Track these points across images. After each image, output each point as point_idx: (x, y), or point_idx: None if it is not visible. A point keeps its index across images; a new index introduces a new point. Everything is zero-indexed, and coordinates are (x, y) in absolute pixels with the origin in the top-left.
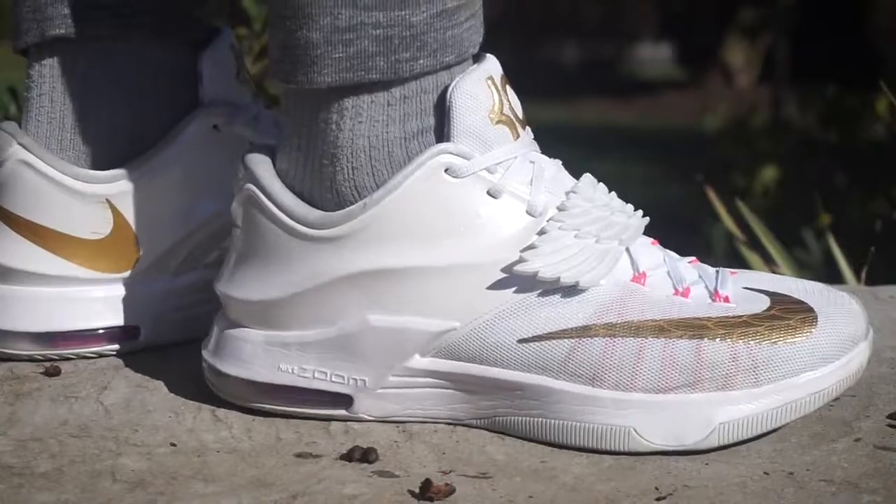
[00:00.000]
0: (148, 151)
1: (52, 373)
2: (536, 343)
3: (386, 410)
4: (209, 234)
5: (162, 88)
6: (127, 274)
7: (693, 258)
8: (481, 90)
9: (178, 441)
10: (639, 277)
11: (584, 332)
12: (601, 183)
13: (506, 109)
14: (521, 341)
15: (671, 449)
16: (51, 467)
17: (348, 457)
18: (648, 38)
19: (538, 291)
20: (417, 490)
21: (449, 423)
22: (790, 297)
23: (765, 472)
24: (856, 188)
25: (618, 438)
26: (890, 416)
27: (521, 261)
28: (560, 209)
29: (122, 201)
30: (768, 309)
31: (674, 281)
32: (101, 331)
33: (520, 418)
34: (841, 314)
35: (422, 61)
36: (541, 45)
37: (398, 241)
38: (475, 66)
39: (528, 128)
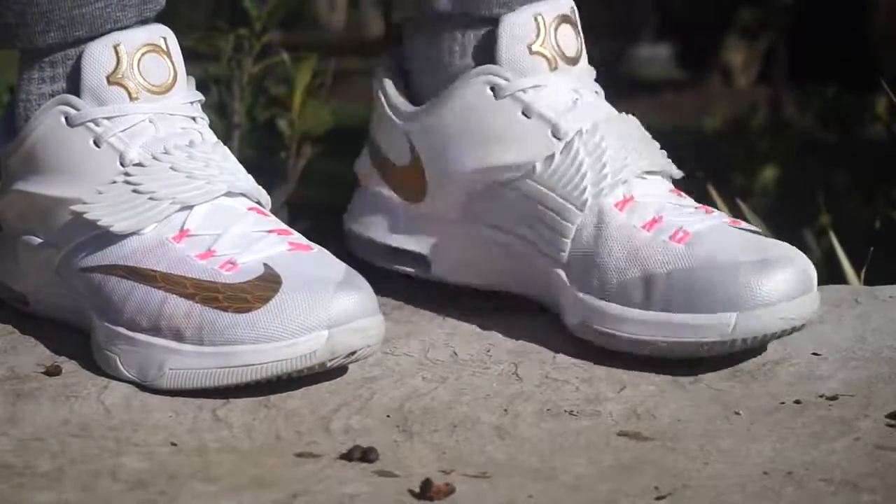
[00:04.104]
0: (433, 101)
1: (53, 372)
2: (88, 274)
3: None
4: (485, 187)
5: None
6: (419, 206)
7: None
8: None
9: (178, 441)
10: (179, 236)
11: (109, 269)
12: (220, 144)
13: None
14: (81, 270)
15: (139, 382)
16: (51, 467)
17: (348, 457)
18: (648, 38)
19: (97, 232)
20: (417, 490)
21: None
22: (281, 274)
23: (764, 472)
24: (856, 188)
25: (108, 364)
26: (889, 416)
27: (84, 205)
28: (141, 164)
29: (416, 139)
30: (258, 279)
31: (207, 246)
32: (400, 251)
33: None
34: (303, 297)
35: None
36: None
37: None
38: None
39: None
